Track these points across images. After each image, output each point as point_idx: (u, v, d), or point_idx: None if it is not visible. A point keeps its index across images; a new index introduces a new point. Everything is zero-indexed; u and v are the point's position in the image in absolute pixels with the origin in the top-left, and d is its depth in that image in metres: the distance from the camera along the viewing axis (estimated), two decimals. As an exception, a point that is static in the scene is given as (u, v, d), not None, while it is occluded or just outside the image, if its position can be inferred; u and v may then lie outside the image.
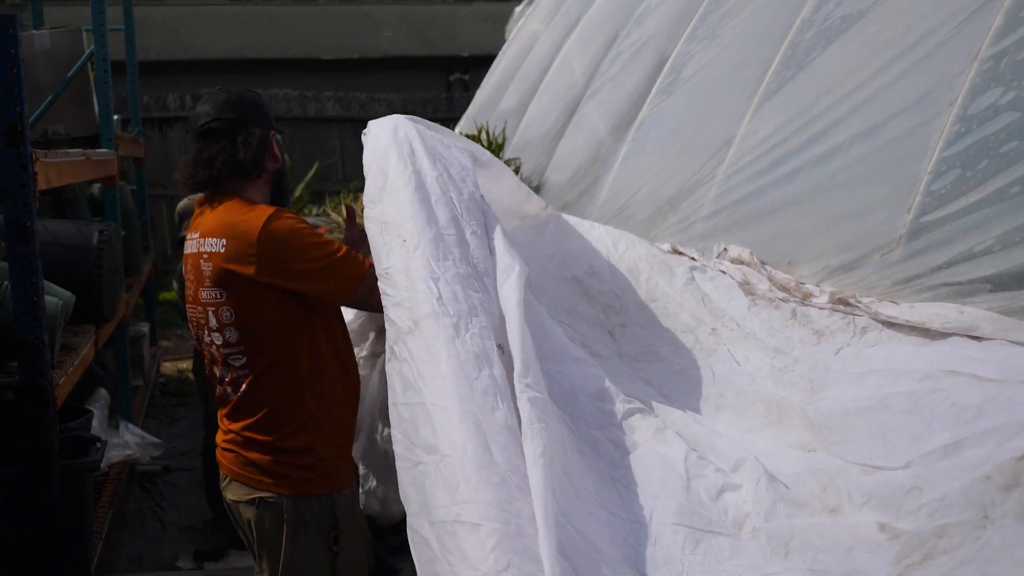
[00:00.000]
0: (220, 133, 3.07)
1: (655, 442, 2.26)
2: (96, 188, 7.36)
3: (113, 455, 5.74)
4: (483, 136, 6.08)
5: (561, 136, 5.85)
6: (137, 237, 7.87)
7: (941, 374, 2.03)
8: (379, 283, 2.53)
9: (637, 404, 2.39)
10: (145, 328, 8.33)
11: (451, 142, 2.90)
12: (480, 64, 14.50)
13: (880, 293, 2.55)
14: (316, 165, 12.82)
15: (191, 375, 9.40)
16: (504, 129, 6.34)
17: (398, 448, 2.18)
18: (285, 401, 2.94)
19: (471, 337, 2.22)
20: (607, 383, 2.43)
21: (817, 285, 2.77)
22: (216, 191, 3.07)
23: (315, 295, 2.91)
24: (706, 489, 2.12)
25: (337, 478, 3.00)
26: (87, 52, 6.42)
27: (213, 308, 2.95)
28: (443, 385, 2.15)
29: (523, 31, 9.40)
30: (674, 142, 4.21)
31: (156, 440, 6.56)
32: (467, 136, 6.10)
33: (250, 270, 2.86)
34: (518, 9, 11.01)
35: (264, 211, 2.92)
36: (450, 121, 11.91)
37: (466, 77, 17.94)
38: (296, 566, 2.96)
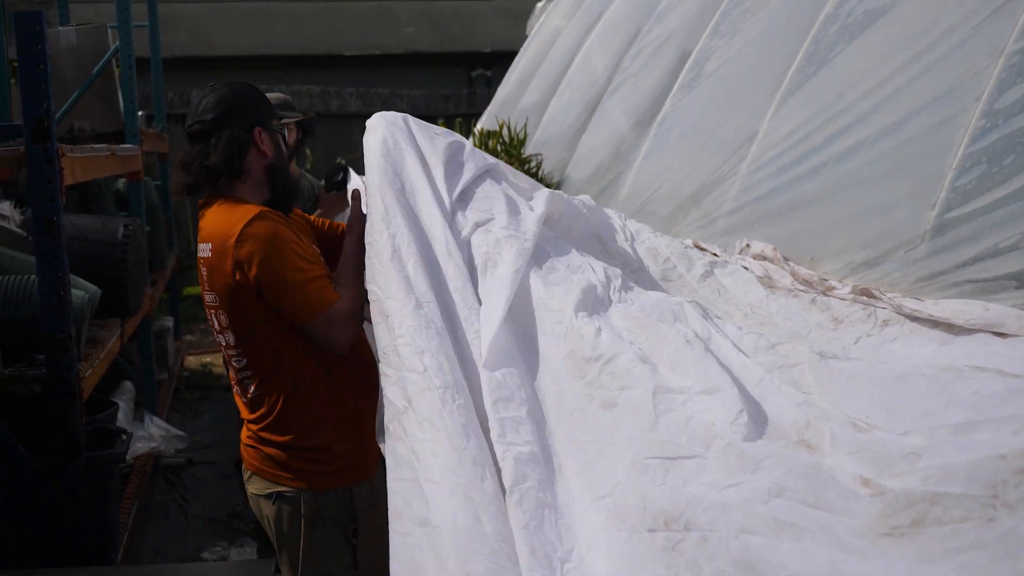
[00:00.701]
0: (199, 136, 3.06)
1: (627, 388, 2.22)
2: (121, 183, 7.41)
3: (138, 447, 5.79)
4: (504, 132, 6.09)
5: (583, 132, 5.85)
6: (162, 232, 7.92)
7: (966, 368, 2.00)
8: (380, 364, 2.49)
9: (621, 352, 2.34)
10: (169, 322, 8.38)
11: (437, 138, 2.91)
12: (502, 60, 14.49)
13: (904, 290, 2.55)
14: (338, 160, 12.83)
15: (213, 368, 9.46)
16: (525, 125, 6.35)
17: (391, 521, 2.19)
18: (291, 403, 2.95)
19: (457, 408, 2.23)
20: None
21: (840, 281, 2.77)
22: (211, 193, 3.04)
23: (276, 307, 2.87)
24: (675, 421, 2.07)
25: (354, 472, 3.00)
26: (112, 49, 6.47)
27: (213, 311, 2.98)
28: (434, 460, 2.16)
29: (544, 27, 9.40)
30: (696, 138, 4.21)
31: (180, 433, 6.61)
32: (488, 132, 6.11)
33: (229, 273, 2.85)
34: (539, 5, 11.00)
35: (247, 213, 2.89)
36: (471, 117, 11.91)
37: (488, 73, 17.93)
38: (314, 559, 2.98)
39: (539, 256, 2.65)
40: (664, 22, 5.51)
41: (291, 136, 5.09)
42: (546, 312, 2.46)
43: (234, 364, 3.00)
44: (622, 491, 2.00)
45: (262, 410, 2.99)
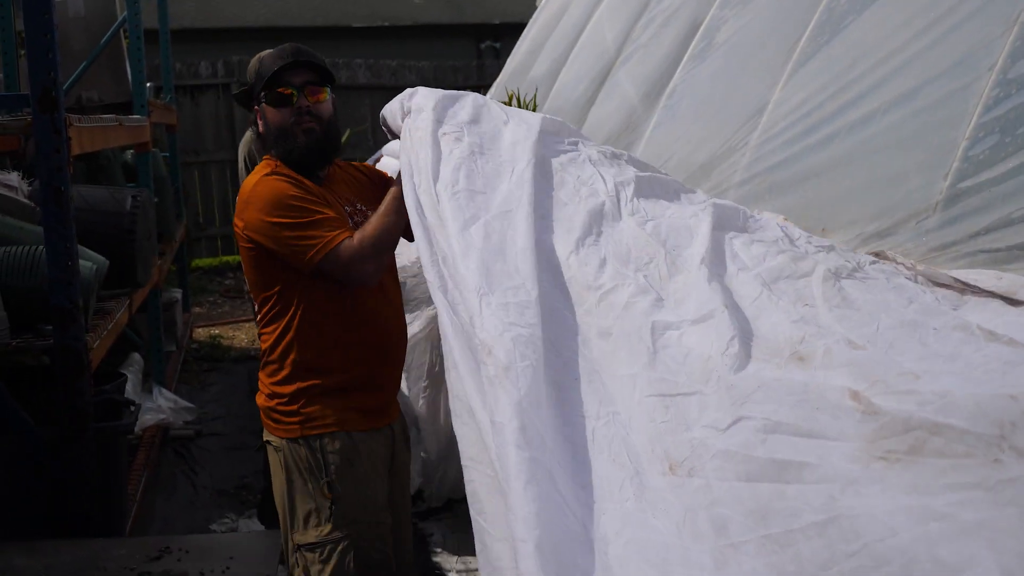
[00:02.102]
0: None
1: (623, 320, 2.20)
2: (129, 155, 7.40)
3: (147, 419, 5.80)
4: (513, 103, 6.05)
5: (592, 103, 5.81)
6: (170, 204, 7.91)
7: (978, 331, 1.96)
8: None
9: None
10: (178, 294, 8.39)
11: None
12: (511, 32, 14.41)
13: (916, 260, 2.53)
14: (347, 132, 12.81)
15: (222, 340, 9.47)
16: (535, 96, 6.31)
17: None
18: (275, 349, 3.07)
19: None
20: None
21: (852, 251, 2.75)
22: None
23: (286, 260, 2.98)
24: (672, 356, 2.04)
25: (329, 423, 3.04)
26: (120, 19, 6.45)
27: (241, 254, 3.15)
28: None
29: (554, -2, 9.34)
30: (706, 108, 4.18)
31: (189, 405, 6.62)
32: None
33: (240, 224, 3.03)
34: (550, -24, 10.92)
35: (261, 170, 3.07)
36: (480, 88, 11.86)
37: (497, 45, 17.85)
38: (296, 508, 3.05)
39: (546, 171, 2.63)
40: (675, -8, 5.46)
41: None
42: (552, 234, 2.44)
43: (254, 310, 3.21)
44: (623, 423, 1.99)
45: (264, 354, 3.14)
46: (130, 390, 5.10)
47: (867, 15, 3.25)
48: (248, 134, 5.18)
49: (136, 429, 5.38)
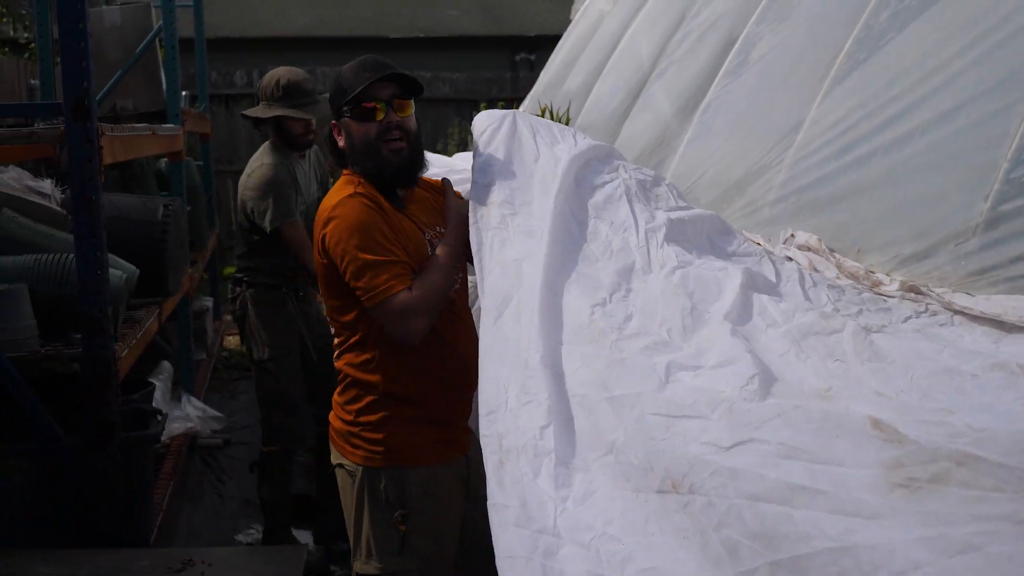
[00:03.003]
0: None
1: (640, 354, 2.20)
2: (163, 163, 7.43)
3: (175, 428, 5.80)
4: (547, 117, 6.03)
5: (626, 117, 5.78)
6: (202, 212, 7.93)
7: (1018, 369, 1.92)
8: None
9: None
10: (209, 303, 8.40)
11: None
12: (546, 44, 14.40)
13: (954, 284, 2.48)
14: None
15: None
16: (568, 110, 6.29)
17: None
18: (360, 374, 3.00)
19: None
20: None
21: (887, 274, 2.70)
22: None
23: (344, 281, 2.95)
24: (684, 388, 2.04)
25: (409, 455, 2.99)
26: (155, 29, 6.47)
27: (317, 271, 3.10)
28: None
29: (590, 11, 9.31)
30: (741, 125, 4.14)
31: (218, 414, 6.62)
32: (531, 116, 6.04)
33: (319, 248, 2.97)
34: (585, -11, 10.92)
35: (347, 191, 2.98)
36: (514, 101, 11.86)
37: (532, 57, 17.85)
38: (364, 536, 3.01)
39: (580, 218, 2.66)
40: (711, 7, 5.43)
41: (301, 125, 5.08)
42: (580, 282, 2.47)
43: (331, 329, 3.14)
44: (624, 447, 1.97)
45: (340, 381, 3.08)
46: (159, 398, 5.10)
47: (907, 33, 3.20)
48: (268, 156, 5.09)
49: (164, 438, 5.38)
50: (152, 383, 4.73)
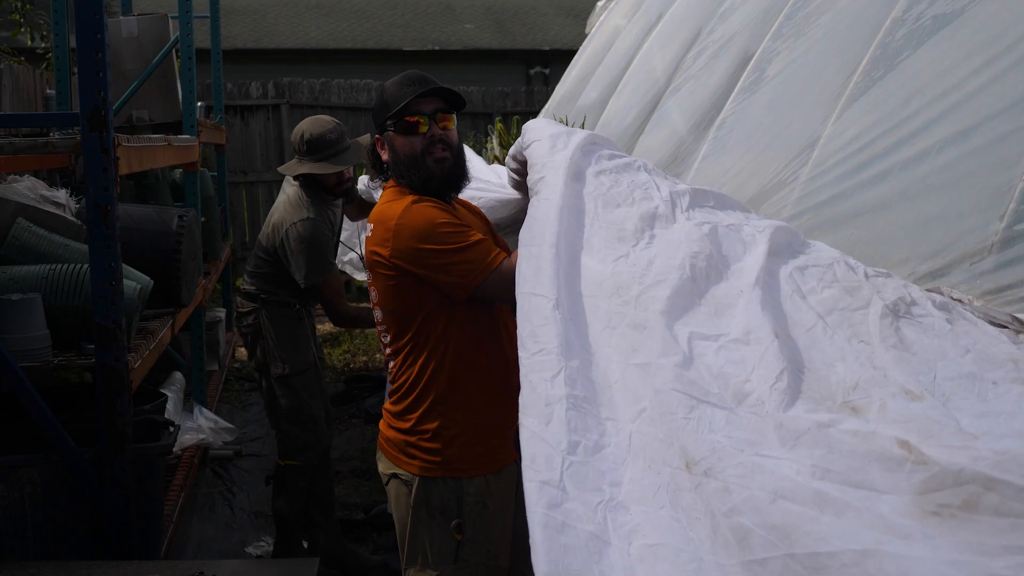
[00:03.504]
0: None
1: (662, 316, 2.17)
2: (178, 174, 7.45)
3: (186, 439, 5.81)
4: (562, 131, 6.04)
5: (641, 133, 5.78)
6: (216, 223, 7.95)
7: None
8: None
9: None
10: (222, 314, 8.42)
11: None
12: (561, 58, 14.44)
13: (972, 299, 2.47)
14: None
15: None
16: (583, 124, 6.29)
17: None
18: (418, 383, 3.04)
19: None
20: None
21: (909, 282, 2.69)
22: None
23: (439, 287, 2.98)
24: (707, 367, 2.00)
25: (468, 466, 3.04)
26: (172, 40, 6.50)
27: (368, 287, 3.16)
28: None
29: (605, 26, 9.33)
30: (756, 141, 4.13)
31: (229, 425, 6.63)
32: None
33: (385, 253, 2.99)
34: (600, 3, 10.93)
35: (407, 199, 3.04)
36: (528, 115, 11.87)
37: (546, 71, 17.91)
38: (419, 546, 3.05)
39: (601, 169, 2.70)
40: (726, 23, 5.43)
41: (349, 170, 5.10)
42: (601, 233, 2.47)
43: (382, 339, 3.16)
44: (648, 418, 1.95)
45: (394, 389, 3.12)
46: (171, 409, 5.10)
47: (923, 51, 3.19)
48: (309, 209, 5.05)
49: (175, 449, 5.39)
50: (164, 394, 4.74)
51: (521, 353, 2.25)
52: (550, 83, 15.72)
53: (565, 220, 2.50)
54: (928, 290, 2.47)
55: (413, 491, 3.04)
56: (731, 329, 2.10)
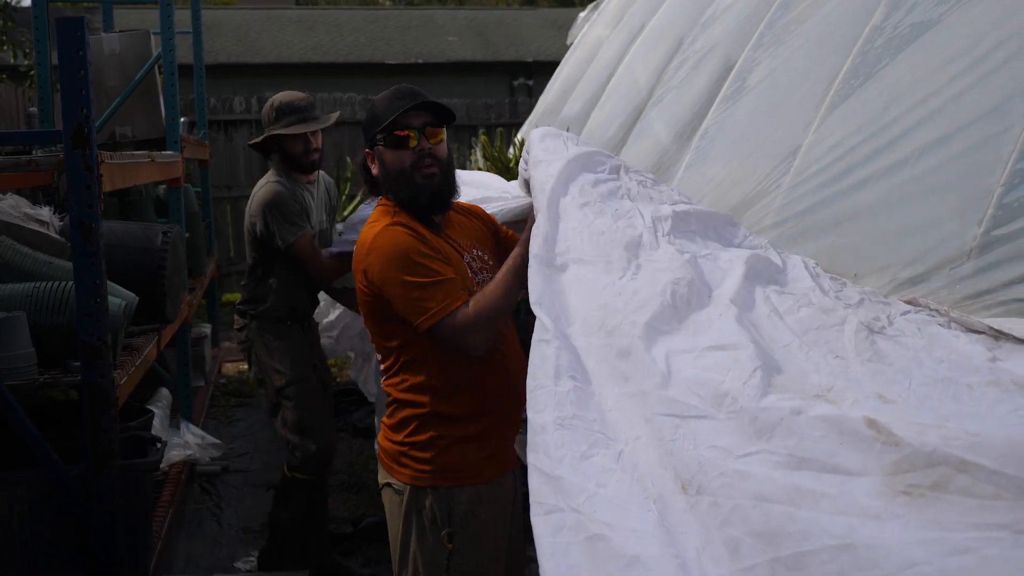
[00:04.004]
0: None
1: (641, 340, 2.20)
2: (161, 189, 7.45)
3: (173, 455, 5.80)
4: (545, 142, 6.05)
5: (624, 143, 5.80)
6: (201, 239, 7.95)
7: (1013, 388, 1.91)
8: None
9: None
10: (207, 329, 8.41)
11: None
12: (544, 70, 14.47)
13: (949, 308, 2.48)
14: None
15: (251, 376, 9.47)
16: (566, 135, 6.31)
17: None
18: (408, 396, 3.06)
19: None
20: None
21: (883, 299, 2.71)
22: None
23: (399, 314, 2.98)
24: (684, 380, 2.03)
25: (459, 475, 3.05)
26: (154, 56, 6.50)
27: (360, 304, 3.13)
28: None
29: (588, 37, 9.36)
30: (739, 150, 4.16)
31: (216, 441, 6.62)
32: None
33: (361, 276, 3.01)
34: (582, 15, 10.97)
35: (383, 221, 3.04)
36: (512, 127, 11.89)
37: (530, 83, 17.95)
38: (410, 555, 3.06)
39: (585, 202, 2.73)
40: (707, 33, 5.46)
41: (317, 140, 5.10)
42: (584, 267, 2.51)
43: (376, 356, 3.21)
44: (642, 447, 1.97)
45: (389, 405, 3.14)
46: (157, 425, 5.09)
47: (901, 58, 3.22)
48: (271, 176, 5.12)
49: (162, 465, 5.38)
50: (151, 410, 4.73)
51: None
52: (534, 95, 15.77)
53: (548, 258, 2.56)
54: (907, 302, 2.49)
55: (404, 500, 3.05)
56: (707, 341, 2.14)
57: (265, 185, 5.06)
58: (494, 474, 3.12)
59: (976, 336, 2.20)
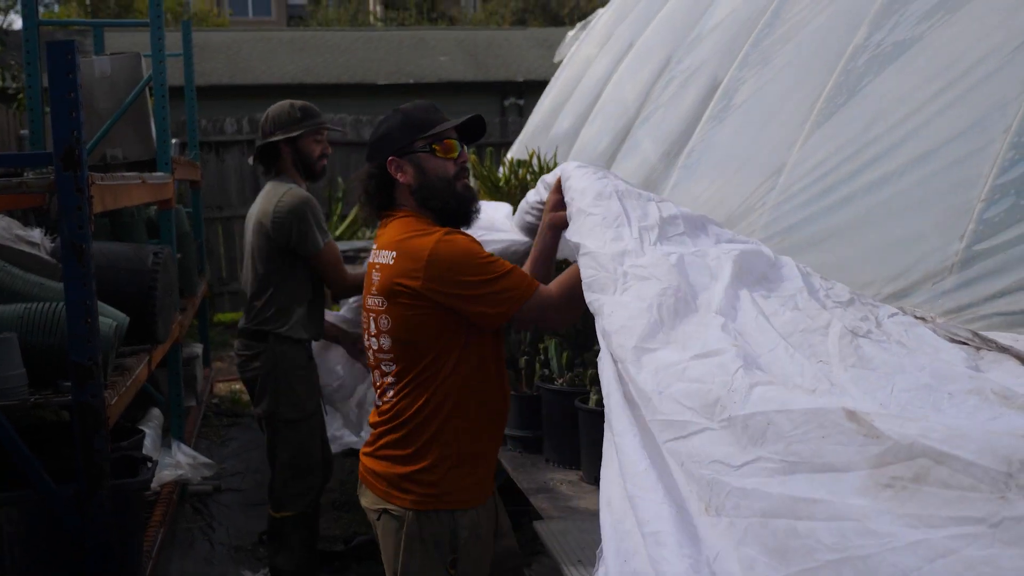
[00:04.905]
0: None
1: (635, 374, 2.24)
2: (153, 210, 7.46)
3: (165, 475, 5.80)
4: (534, 161, 6.08)
5: (612, 162, 5.84)
6: (192, 259, 7.96)
7: (992, 396, 1.94)
8: None
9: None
10: (199, 349, 8.41)
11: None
12: (535, 89, 14.52)
13: (935, 317, 2.51)
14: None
15: (242, 396, 9.46)
16: (555, 155, 6.34)
17: None
18: (420, 413, 3.02)
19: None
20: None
21: (872, 301, 2.73)
22: (390, 210, 3.18)
23: (474, 317, 2.99)
24: (673, 397, 2.07)
25: (462, 498, 3.05)
26: (145, 78, 6.52)
27: (375, 315, 3.08)
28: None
29: (576, 56, 9.41)
30: (725, 168, 4.19)
31: (208, 460, 6.61)
32: (519, 162, 6.10)
33: (414, 284, 2.95)
34: (571, 34, 11.02)
35: (436, 230, 3.02)
36: (503, 146, 11.92)
37: (520, 102, 18.00)
38: None
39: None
40: (694, 52, 5.50)
41: (320, 147, 5.06)
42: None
43: (382, 368, 3.11)
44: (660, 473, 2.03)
45: (391, 416, 3.08)
46: (149, 445, 5.10)
47: (884, 77, 3.26)
48: (297, 190, 4.89)
49: (154, 485, 5.38)
50: (142, 430, 4.73)
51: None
52: (524, 113, 15.80)
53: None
54: (892, 312, 2.51)
55: (405, 525, 3.01)
56: (694, 350, 2.17)
57: (288, 191, 4.84)
58: (485, 496, 3.13)
59: (959, 345, 2.23)
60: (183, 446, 6.34)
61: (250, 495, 6.76)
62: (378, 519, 3.10)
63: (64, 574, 3.67)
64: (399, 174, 3.13)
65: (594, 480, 4.33)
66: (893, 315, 2.35)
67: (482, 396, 3.08)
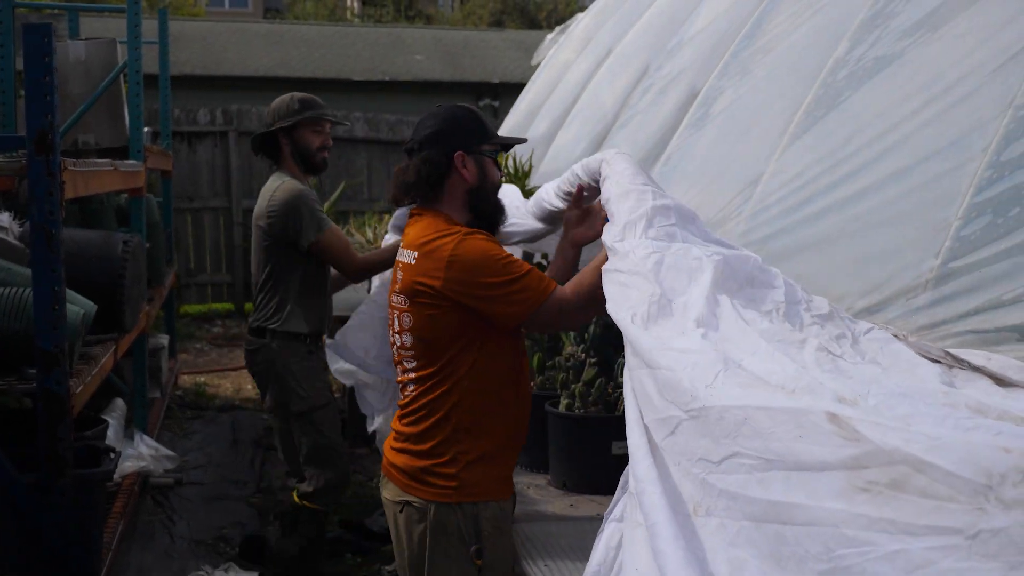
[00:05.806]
0: (409, 154, 3.24)
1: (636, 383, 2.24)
2: (123, 199, 7.41)
3: (127, 466, 5.75)
4: (510, 163, 6.08)
5: (588, 166, 5.83)
6: (161, 249, 7.91)
7: (966, 410, 1.94)
8: None
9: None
10: (165, 340, 8.35)
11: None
12: (510, 91, 14.53)
13: (908, 334, 2.52)
14: (343, 185, 12.86)
15: (206, 388, 9.41)
16: (531, 157, 6.33)
17: None
18: (439, 410, 3.07)
19: None
20: None
21: (851, 317, 2.74)
22: (422, 205, 3.22)
23: (493, 317, 3.04)
24: (653, 391, 2.10)
25: (484, 491, 3.08)
26: (120, 64, 6.47)
27: (398, 312, 3.14)
28: None
29: (555, 60, 9.41)
30: (701, 177, 4.19)
31: (170, 453, 6.57)
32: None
33: (435, 284, 3.01)
34: (549, 37, 11.03)
35: (457, 231, 3.08)
36: (478, 147, 11.90)
37: (496, 103, 17.99)
38: (439, 572, 3.07)
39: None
40: (674, 60, 5.50)
41: (319, 139, 5.04)
42: None
43: (404, 363, 3.16)
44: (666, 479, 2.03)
45: (412, 411, 3.13)
46: (112, 436, 5.05)
47: (864, 91, 3.27)
48: (290, 183, 4.86)
49: (115, 476, 5.33)
50: (105, 420, 4.70)
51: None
52: (499, 115, 15.79)
53: None
54: (868, 327, 2.52)
55: (429, 518, 3.06)
56: (674, 345, 2.17)
57: (282, 185, 4.83)
58: (509, 492, 3.21)
59: (932, 364, 2.24)
60: (146, 437, 6.30)
61: (212, 488, 6.71)
62: (400, 511, 3.13)
63: (20, 564, 3.63)
64: (464, 169, 3.18)
65: (562, 485, 4.33)
66: (869, 331, 2.36)
67: (501, 395, 3.13)
